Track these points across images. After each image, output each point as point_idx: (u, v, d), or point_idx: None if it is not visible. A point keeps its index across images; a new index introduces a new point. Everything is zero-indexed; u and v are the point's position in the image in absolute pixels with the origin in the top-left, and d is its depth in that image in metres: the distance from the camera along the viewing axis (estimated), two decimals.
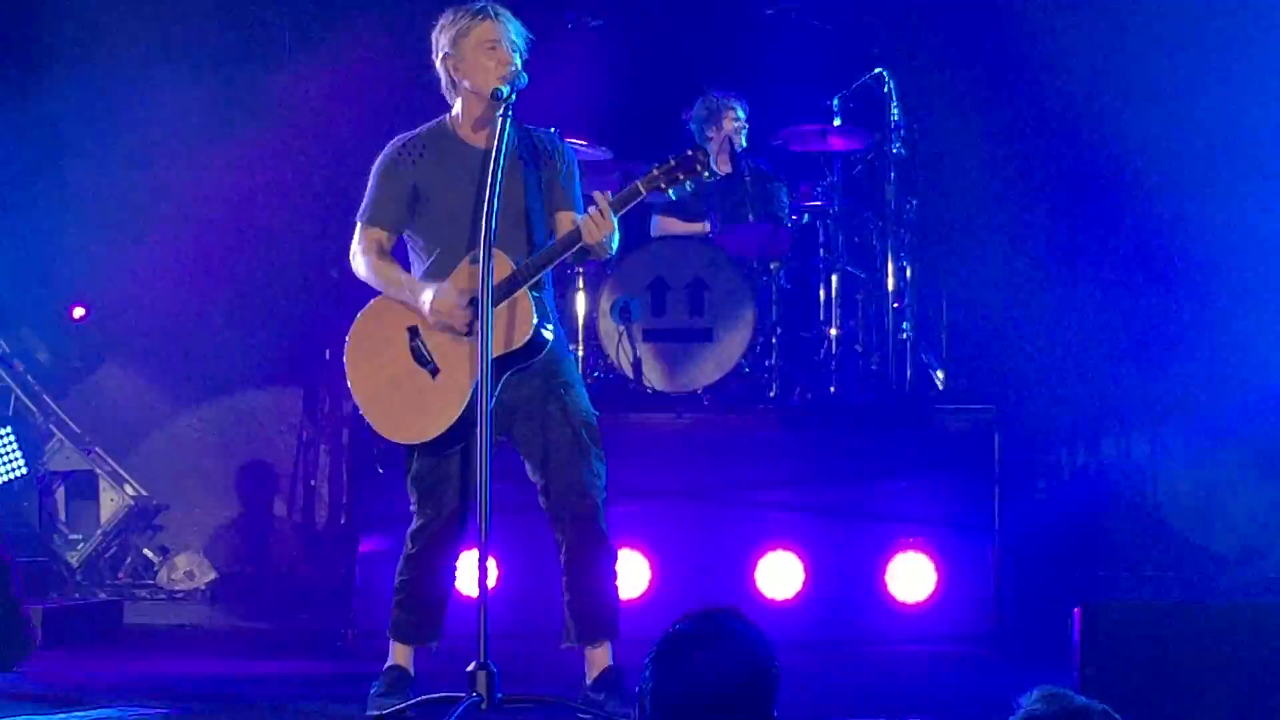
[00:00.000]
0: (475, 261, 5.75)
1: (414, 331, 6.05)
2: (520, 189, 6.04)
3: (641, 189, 5.95)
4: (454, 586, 6.32)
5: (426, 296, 5.98)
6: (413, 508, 6.15)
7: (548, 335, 6.00)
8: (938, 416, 8.95)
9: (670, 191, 5.98)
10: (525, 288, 5.91)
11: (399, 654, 6.22)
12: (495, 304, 5.78)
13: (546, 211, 6.14)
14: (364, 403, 6.13)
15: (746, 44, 10.74)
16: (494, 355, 5.79)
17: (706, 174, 5.98)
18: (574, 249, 5.98)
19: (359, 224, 6.24)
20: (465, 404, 5.91)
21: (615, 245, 6.02)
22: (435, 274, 6.06)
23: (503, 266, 5.87)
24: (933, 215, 9.96)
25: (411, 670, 6.22)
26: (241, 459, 10.89)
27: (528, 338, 5.90)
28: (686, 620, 3.62)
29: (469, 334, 5.88)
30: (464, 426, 5.92)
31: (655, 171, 5.95)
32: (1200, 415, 10.09)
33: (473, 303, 5.84)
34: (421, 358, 6.03)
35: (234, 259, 10.74)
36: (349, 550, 8.85)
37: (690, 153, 5.96)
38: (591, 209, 5.91)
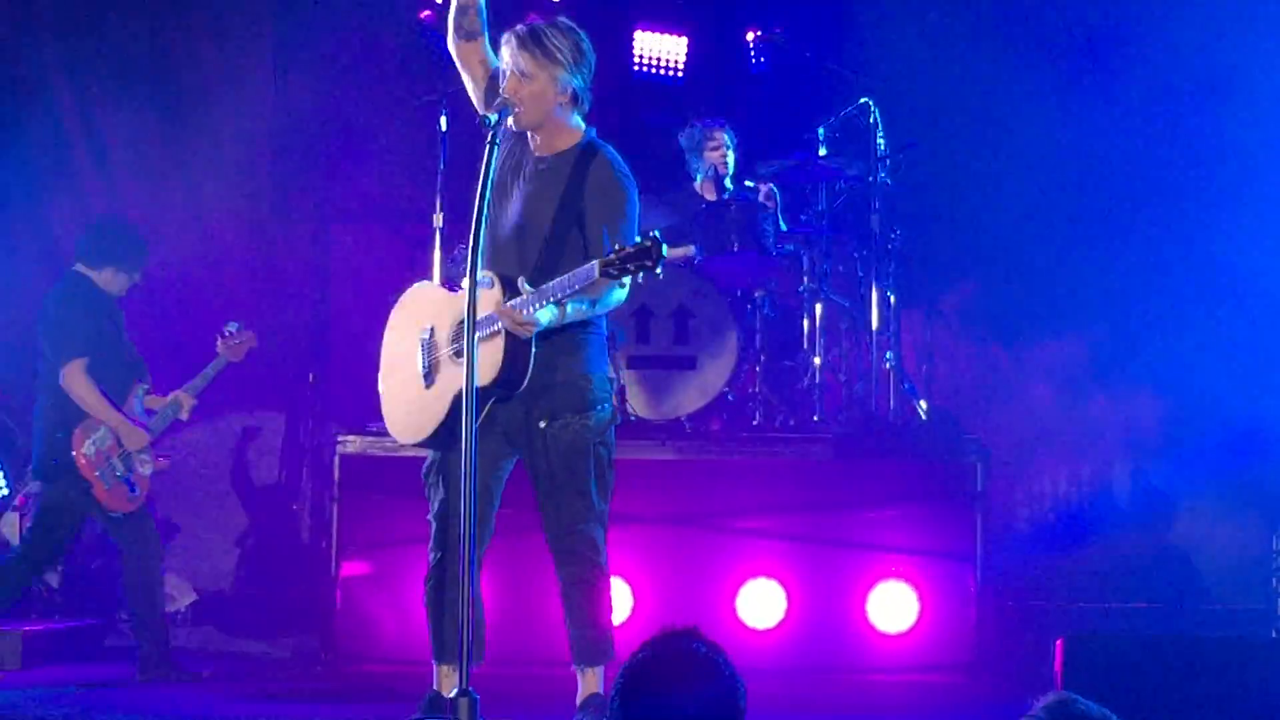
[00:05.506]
0: (479, 282, 5.56)
1: (430, 333, 6.11)
2: (549, 210, 5.99)
3: (596, 270, 5.62)
4: (480, 603, 6.10)
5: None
6: (431, 544, 6.17)
7: (514, 379, 5.88)
8: (920, 446, 8.93)
9: (622, 279, 5.71)
10: (505, 331, 5.79)
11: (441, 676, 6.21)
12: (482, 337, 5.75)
13: (586, 237, 5.96)
14: (381, 379, 6.34)
15: (733, 73, 10.77)
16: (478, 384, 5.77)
17: (657, 270, 5.51)
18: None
19: None
20: (439, 423, 6.02)
21: (622, 296, 5.92)
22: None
23: (491, 303, 5.78)
24: (917, 245, 9.97)
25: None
26: (223, 482, 10.86)
27: (491, 379, 5.82)
28: (647, 646, 3.58)
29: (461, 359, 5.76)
30: (444, 439, 6.02)
31: (613, 255, 5.58)
32: (1182, 446, 10.10)
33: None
34: (426, 365, 6.11)
35: (214, 280, 10.71)
36: (329, 573, 8.82)
37: (647, 244, 5.51)
38: (510, 305, 5.73)
